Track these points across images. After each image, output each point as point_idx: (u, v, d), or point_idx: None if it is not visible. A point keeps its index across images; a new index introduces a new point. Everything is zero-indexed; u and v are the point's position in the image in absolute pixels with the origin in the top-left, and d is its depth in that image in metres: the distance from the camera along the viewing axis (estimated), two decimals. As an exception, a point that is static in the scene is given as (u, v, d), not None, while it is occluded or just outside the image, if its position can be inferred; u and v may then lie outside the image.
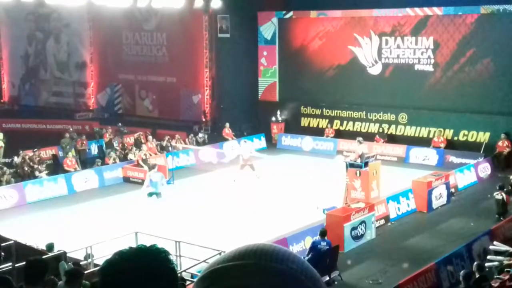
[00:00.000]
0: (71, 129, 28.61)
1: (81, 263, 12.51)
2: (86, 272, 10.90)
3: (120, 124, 29.79)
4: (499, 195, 17.78)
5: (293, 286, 1.35)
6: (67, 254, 12.00)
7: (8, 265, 10.29)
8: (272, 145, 28.98)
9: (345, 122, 28.73)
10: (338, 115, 28.92)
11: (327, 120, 29.02)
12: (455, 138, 25.86)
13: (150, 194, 20.46)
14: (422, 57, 26.77)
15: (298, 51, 30.19)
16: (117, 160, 24.67)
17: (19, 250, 11.20)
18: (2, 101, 40.93)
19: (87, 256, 13.27)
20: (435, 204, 19.22)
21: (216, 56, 32.31)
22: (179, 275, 9.80)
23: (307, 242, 15.00)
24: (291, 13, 30.10)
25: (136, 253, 1.54)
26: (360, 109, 28.27)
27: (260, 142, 28.81)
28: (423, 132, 26.71)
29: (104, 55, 36.74)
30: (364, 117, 28.21)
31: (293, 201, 19.49)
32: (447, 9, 25.97)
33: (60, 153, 26.13)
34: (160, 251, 1.56)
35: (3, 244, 11.42)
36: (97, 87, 37.56)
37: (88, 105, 37.79)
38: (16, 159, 24.00)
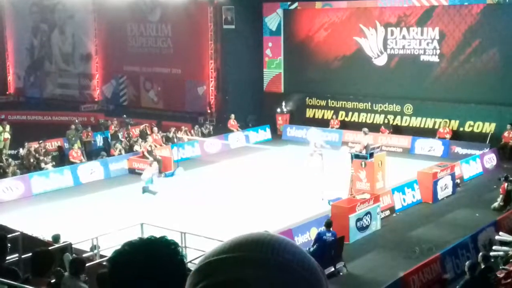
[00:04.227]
0: (76, 120, 28.62)
1: (87, 254, 12.58)
2: (92, 263, 10.97)
3: (124, 116, 29.81)
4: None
5: (289, 278, 1.33)
6: (73, 245, 12.03)
7: (14, 257, 10.33)
8: (277, 136, 28.96)
9: (350, 113, 28.68)
10: (343, 106, 28.86)
11: (332, 111, 28.97)
12: (461, 129, 25.79)
13: (144, 190, 20.31)
14: (428, 48, 26.67)
15: (303, 42, 30.10)
16: (123, 152, 24.73)
17: (25, 242, 11.22)
18: (7, 93, 41.00)
19: (93, 247, 13.31)
20: (441, 195, 19.20)
21: (221, 47, 32.24)
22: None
23: (312, 233, 15.01)
24: (296, 4, 30.01)
25: (145, 244, 1.56)
26: (365, 100, 28.21)
27: (265, 133, 28.82)
28: (429, 123, 26.65)
29: (109, 46, 36.70)
30: (370, 108, 28.16)
31: (298, 192, 19.48)
32: (453, -1, 25.90)
33: (66, 145, 26.19)
34: (170, 242, 1.58)
35: (9, 236, 11.45)
36: (102, 79, 37.57)
37: (93, 97, 37.81)
38: (22, 151, 24.06)
